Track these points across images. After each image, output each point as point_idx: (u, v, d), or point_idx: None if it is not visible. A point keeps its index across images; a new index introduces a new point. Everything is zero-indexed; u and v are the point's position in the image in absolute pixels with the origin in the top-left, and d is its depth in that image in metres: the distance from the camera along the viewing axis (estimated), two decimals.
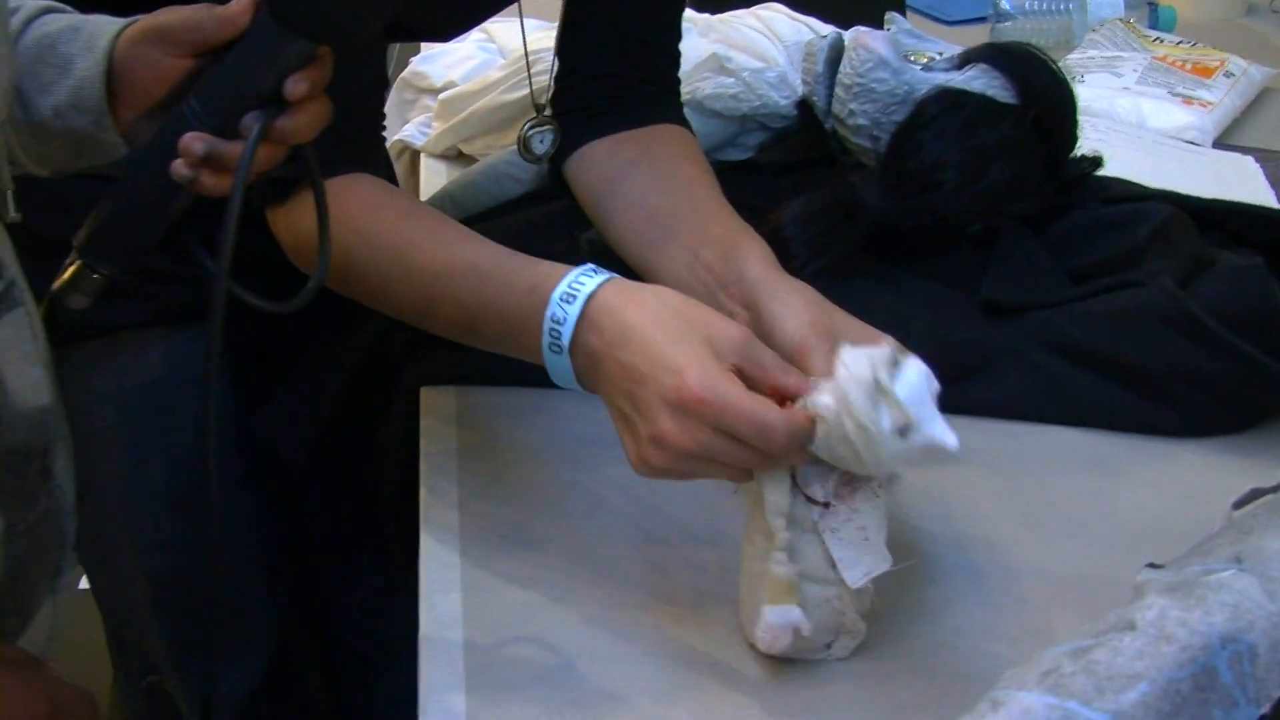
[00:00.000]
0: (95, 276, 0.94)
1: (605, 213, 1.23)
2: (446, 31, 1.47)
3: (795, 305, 1.03)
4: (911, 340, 1.06)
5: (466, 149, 1.59)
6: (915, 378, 0.88)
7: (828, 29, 1.57)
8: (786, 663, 0.96)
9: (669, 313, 0.94)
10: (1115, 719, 0.75)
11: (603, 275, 0.97)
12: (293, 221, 1.11)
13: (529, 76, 1.33)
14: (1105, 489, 1.16)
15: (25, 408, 0.87)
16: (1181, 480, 1.17)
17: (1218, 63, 1.98)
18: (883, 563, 0.93)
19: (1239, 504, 0.92)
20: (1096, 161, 1.45)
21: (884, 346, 0.90)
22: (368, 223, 1.08)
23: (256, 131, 0.87)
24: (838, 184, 1.34)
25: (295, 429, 1.32)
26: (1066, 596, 1.02)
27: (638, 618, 1.01)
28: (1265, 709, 0.76)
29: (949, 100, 1.36)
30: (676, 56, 1.32)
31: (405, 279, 1.07)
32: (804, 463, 0.92)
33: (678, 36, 1.32)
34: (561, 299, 0.96)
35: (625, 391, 0.94)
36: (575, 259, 1.21)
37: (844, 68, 1.43)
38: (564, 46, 1.31)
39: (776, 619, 0.93)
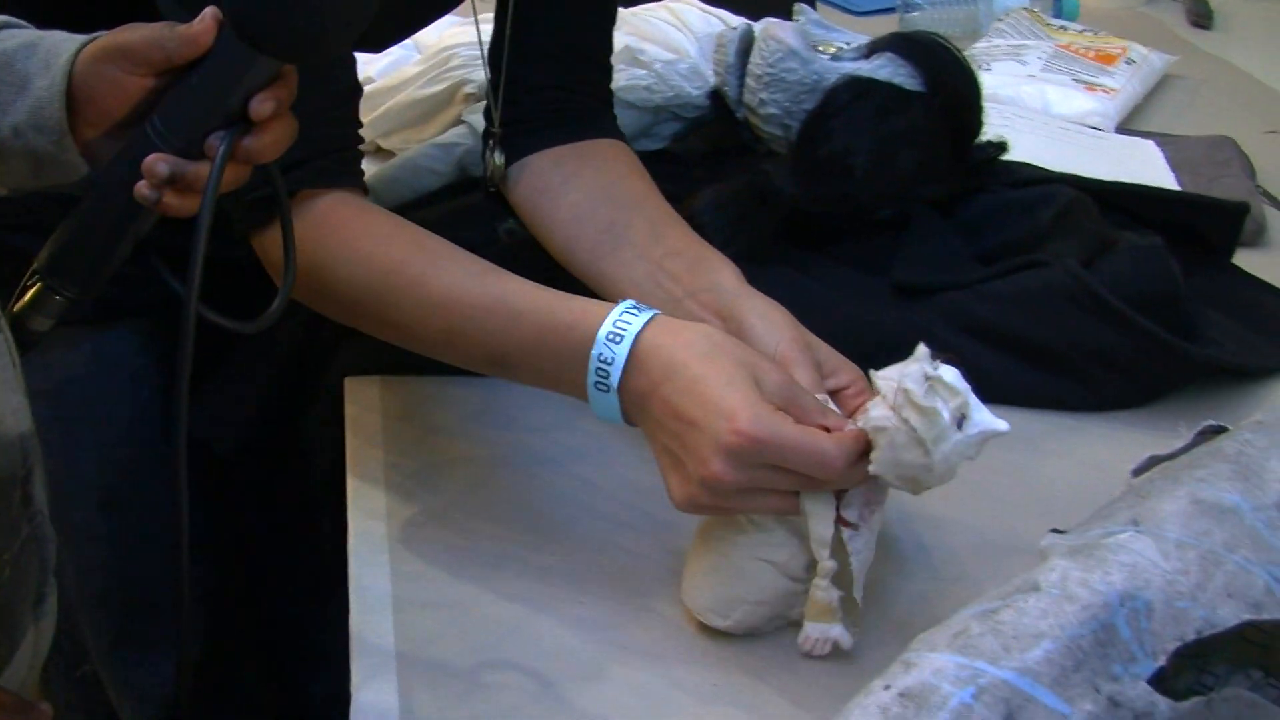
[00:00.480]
0: (58, 298, 0.91)
1: (549, 224, 1.23)
2: (381, 43, 1.48)
3: (776, 320, 1.05)
4: (829, 323, 1.10)
5: (384, 144, 1.61)
6: (953, 373, 0.92)
7: (738, 21, 1.60)
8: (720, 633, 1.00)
9: (716, 352, 0.95)
10: (1021, 676, 0.78)
11: (646, 312, 0.98)
12: (278, 243, 1.08)
13: (495, 97, 1.30)
14: (1018, 463, 1.19)
15: (9, 435, 0.86)
16: (1089, 452, 1.20)
17: (1119, 50, 2.02)
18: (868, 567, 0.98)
19: (1138, 471, 0.96)
20: (1002, 146, 1.49)
21: (920, 348, 0.94)
22: (377, 252, 1.07)
23: (223, 152, 0.85)
24: (751, 172, 1.37)
25: (226, 423, 1.33)
26: (995, 565, 1.06)
27: (567, 595, 1.04)
28: (1161, 661, 0.79)
29: (858, 88, 1.39)
30: (609, 69, 1.33)
31: (421, 312, 1.06)
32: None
33: (610, 49, 1.32)
34: (608, 338, 0.97)
35: (674, 432, 0.95)
36: (494, 249, 1.24)
37: (754, 58, 1.46)
38: (498, 59, 1.30)
39: (816, 632, 0.97)
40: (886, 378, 0.93)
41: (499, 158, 1.29)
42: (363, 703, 0.95)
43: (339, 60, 1.12)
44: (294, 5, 0.83)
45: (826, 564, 0.95)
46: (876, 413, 0.92)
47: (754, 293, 1.09)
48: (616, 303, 0.99)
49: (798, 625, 0.98)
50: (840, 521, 0.96)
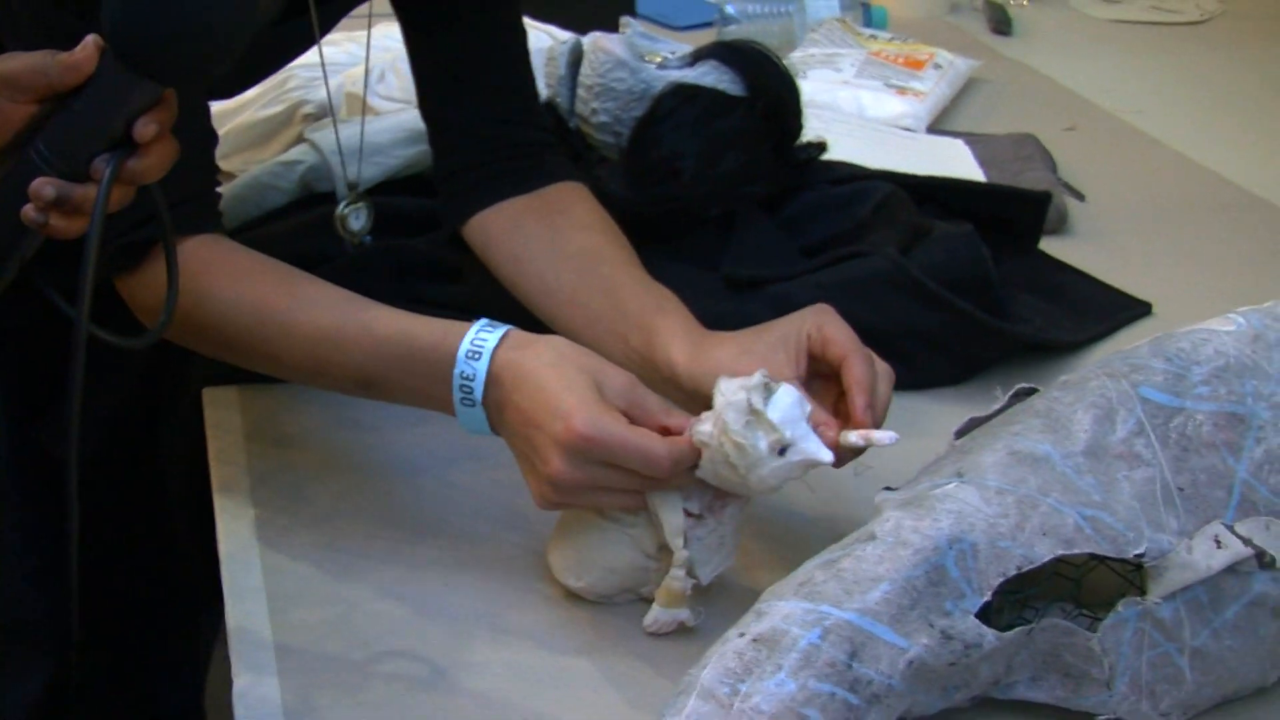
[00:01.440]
0: None
1: (524, 293, 1.26)
2: (232, 91, 1.50)
3: (737, 366, 1.07)
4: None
5: (226, 166, 1.63)
6: (787, 400, 0.96)
7: (567, 35, 1.66)
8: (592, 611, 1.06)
9: (560, 360, 1.01)
10: (862, 616, 0.86)
11: (500, 328, 1.04)
12: (146, 285, 1.13)
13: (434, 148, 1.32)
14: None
15: None
16: (917, 425, 1.27)
17: (927, 56, 2.13)
18: (728, 561, 1.03)
19: (960, 433, 1.04)
20: (821, 146, 1.57)
21: (755, 375, 0.97)
22: (247, 292, 1.12)
23: (109, 173, 0.87)
24: (585, 177, 1.43)
25: (79, 436, 1.35)
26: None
27: (444, 587, 1.08)
28: (988, 596, 0.87)
29: (683, 95, 1.46)
30: (535, 94, 1.36)
31: (291, 344, 1.11)
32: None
33: (531, 74, 1.35)
34: (468, 356, 1.02)
35: (524, 436, 1.01)
36: (343, 260, 1.29)
37: (584, 70, 1.52)
38: (427, 108, 1.34)
39: (666, 617, 1.02)
40: (723, 392, 0.98)
41: (356, 223, 1.34)
42: (245, 698, 0.97)
43: (191, 107, 1.14)
44: (174, 31, 0.85)
45: (681, 553, 1.01)
46: (702, 428, 0.98)
47: (699, 365, 1.10)
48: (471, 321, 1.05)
49: (648, 602, 1.04)
50: (684, 512, 1.01)
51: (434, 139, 1.34)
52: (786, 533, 1.14)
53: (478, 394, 1.02)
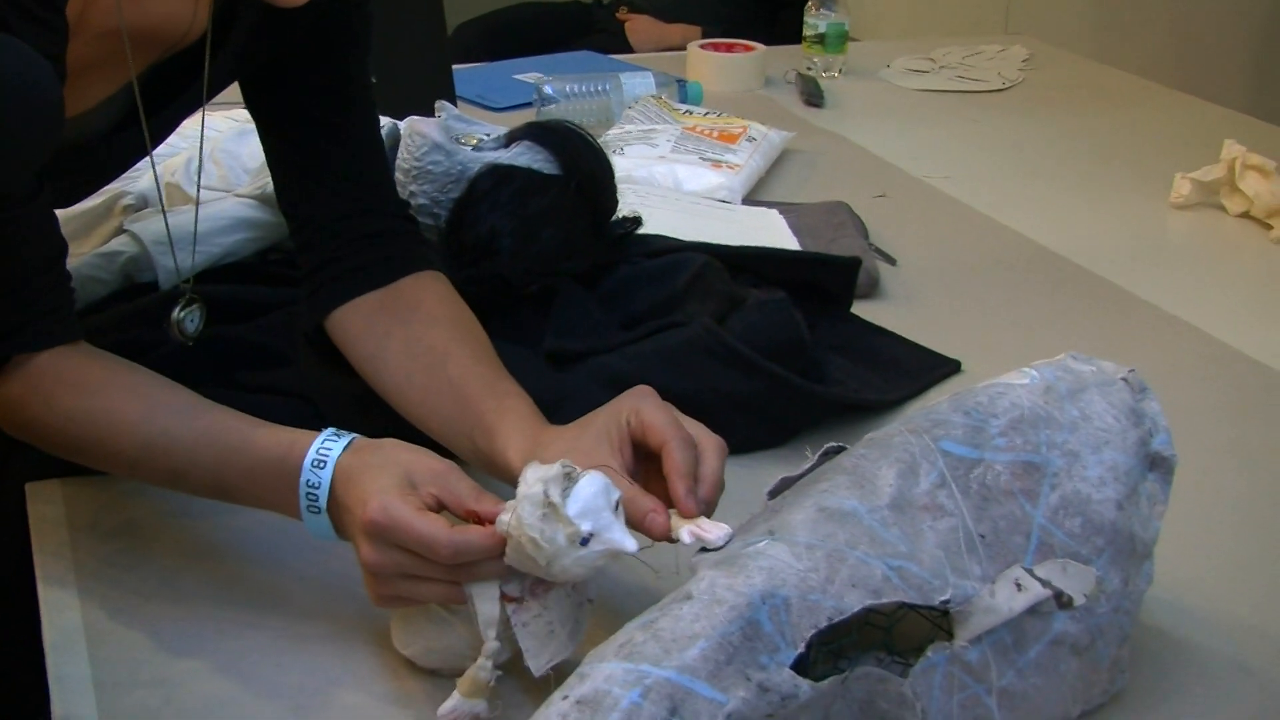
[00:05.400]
0: None
1: (382, 391, 1.28)
2: (73, 200, 1.50)
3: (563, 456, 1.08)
4: None
5: None
6: (588, 491, 0.97)
7: (385, 121, 1.68)
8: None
9: (381, 458, 1.04)
10: (680, 673, 0.88)
11: (345, 438, 1.06)
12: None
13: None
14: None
15: None
16: (733, 490, 1.30)
17: (740, 129, 2.19)
18: (564, 651, 1.02)
19: (773, 493, 1.07)
20: (637, 221, 1.61)
21: (555, 466, 0.98)
22: (99, 403, 1.14)
23: None
24: (441, 263, 1.44)
25: None
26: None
27: (273, 664, 1.09)
28: (801, 648, 0.90)
29: (499, 175, 1.50)
30: (389, 180, 1.38)
31: (146, 455, 1.13)
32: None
33: (384, 160, 1.37)
34: (313, 465, 1.05)
35: (346, 529, 1.04)
36: (167, 347, 1.29)
37: (401, 154, 1.55)
38: (284, 203, 1.36)
39: (464, 708, 1.01)
40: (526, 481, 0.99)
41: (190, 325, 1.35)
42: None
43: (39, 223, 1.16)
44: None
45: (490, 644, 1.01)
46: (503, 517, 0.99)
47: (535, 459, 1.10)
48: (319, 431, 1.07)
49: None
50: (504, 598, 1.01)
51: (294, 233, 1.36)
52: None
53: (322, 501, 1.05)
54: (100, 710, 1.04)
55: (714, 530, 1.01)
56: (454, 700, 1.01)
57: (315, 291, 1.33)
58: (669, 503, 1.05)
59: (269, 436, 1.10)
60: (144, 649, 1.11)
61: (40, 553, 1.22)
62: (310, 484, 1.05)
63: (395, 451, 1.06)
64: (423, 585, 1.02)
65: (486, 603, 1.01)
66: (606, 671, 0.89)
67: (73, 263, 1.52)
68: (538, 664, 1.01)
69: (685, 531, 1.02)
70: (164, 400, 1.15)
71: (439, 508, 1.02)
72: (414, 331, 1.28)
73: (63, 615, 1.14)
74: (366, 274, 1.32)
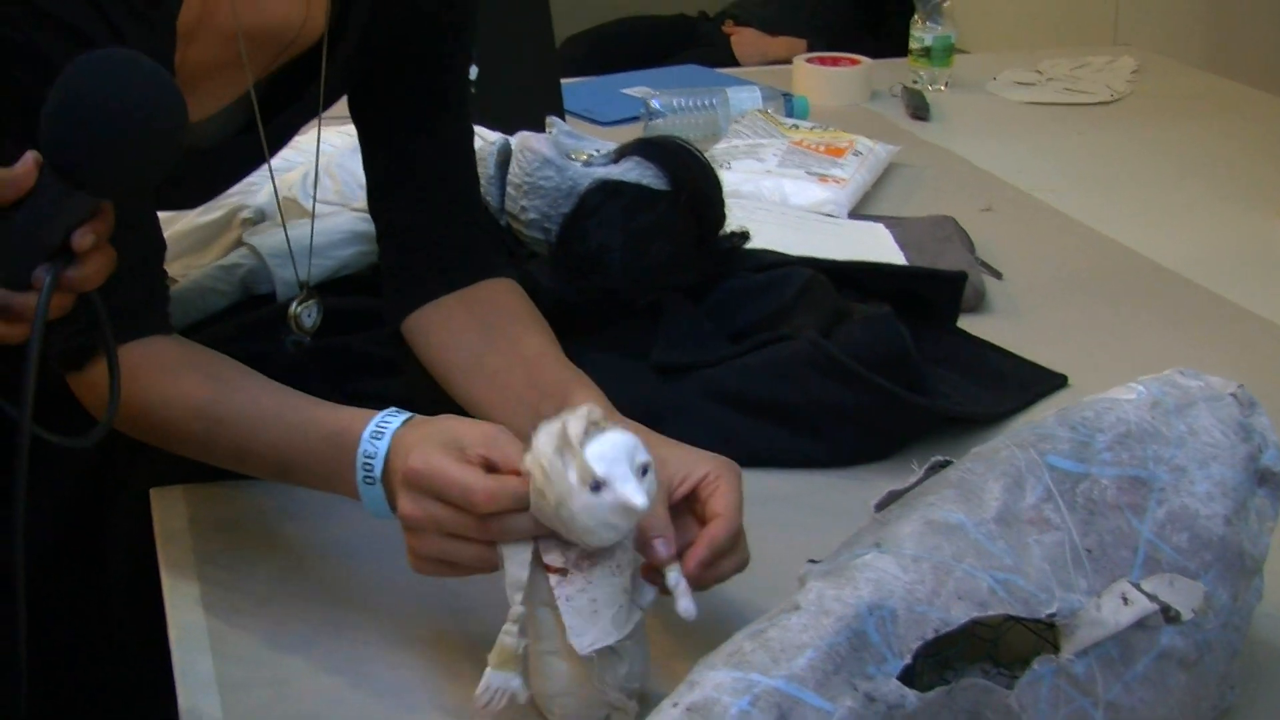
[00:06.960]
0: None
1: (450, 380, 1.32)
2: (192, 204, 1.56)
3: None
4: None
5: (168, 270, 1.67)
6: (613, 440, 0.97)
7: (495, 135, 1.71)
8: None
9: (434, 428, 1.06)
10: (789, 682, 0.90)
11: (405, 414, 1.09)
12: (93, 385, 1.19)
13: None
14: (781, 519, 1.27)
15: None
16: (840, 501, 1.32)
17: (847, 143, 2.19)
18: (609, 636, 0.99)
19: (880, 506, 1.08)
20: (745, 235, 1.63)
21: (582, 408, 0.99)
22: (176, 386, 1.17)
23: (49, 282, 0.91)
24: (517, 272, 1.48)
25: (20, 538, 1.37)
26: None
27: (382, 664, 1.12)
28: (908, 659, 0.92)
29: (608, 190, 1.52)
30: (477, 193, 1.41)
31: (216, 433, 1.17)
32: (545, 535, 0.99)
33: (474, 173, 1.40)
34: (372, 436, 1.07)
35: (393, 494, 1.06)
36: (283, 359, 1.33)
37: (513, 169, 1.58)
38: (375, 209, 1.40)
39: (498, 682, 1.01)
40: (548, 420, 0.98)
41: (308, 319, 1.39)
42: None
43: (139, 219, 1.19)
44: (108, 147, 0.90)
45: (515, 609, 0.99)
46: (525, 457, 0.98)
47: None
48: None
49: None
50: (547, 569, 1.00)
51: (381, 238, 1.40)
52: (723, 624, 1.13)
53: (377, 470, 1.07)
54: (224, 707, 1.07)
55: (691, 600, 1.02)
56: (487, 675, 1.00)
57: (394, 295, 1.37)
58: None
59: (331, 413, 1.13)
60: (262, 648, 1.14)
61: (165, 556, 1.26)
62: (367, 454, 1.07)
63: (449, 421, 1.07)
64: (459, 545, 1.01)
65: (517, 565, 0.99)
66: (716, 679, 0.90)
67: (193, 274, 1.57)
68: (582, 642, 0.98)
69: (675, 581, 1.03)
70: (235, 379, 1.18)
71: (489, 470, 1.02)
72: (489, 324, 1.31)
73: (187, 615, 1.18)
74: (445, 278, 1.35)
